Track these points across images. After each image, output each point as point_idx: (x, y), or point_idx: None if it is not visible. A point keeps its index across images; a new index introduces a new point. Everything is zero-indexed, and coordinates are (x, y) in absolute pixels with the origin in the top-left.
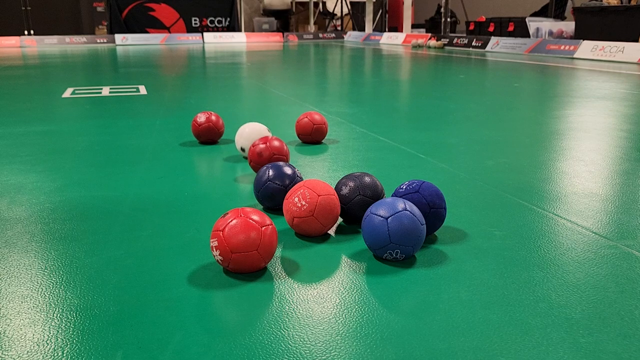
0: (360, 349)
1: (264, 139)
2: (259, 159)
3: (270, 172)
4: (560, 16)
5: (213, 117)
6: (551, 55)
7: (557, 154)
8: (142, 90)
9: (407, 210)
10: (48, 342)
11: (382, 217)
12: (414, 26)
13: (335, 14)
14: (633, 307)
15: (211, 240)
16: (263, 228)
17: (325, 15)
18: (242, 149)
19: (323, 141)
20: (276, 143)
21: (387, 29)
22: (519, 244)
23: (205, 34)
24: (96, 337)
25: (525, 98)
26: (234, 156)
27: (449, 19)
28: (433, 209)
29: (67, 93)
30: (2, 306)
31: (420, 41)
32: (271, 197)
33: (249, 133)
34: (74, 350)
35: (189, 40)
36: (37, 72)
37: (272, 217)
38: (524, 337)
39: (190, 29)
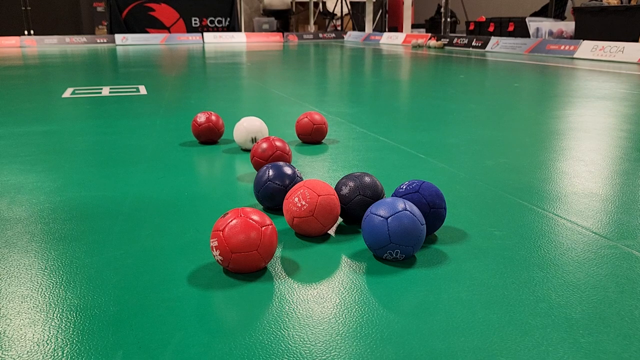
0: (360, 349)
1: (267, 139)
2: (262, 155)
3: (270, 172)
4: (560, 16)
5: (213, 117)
6: (551, 55)
7: (557, 154)
8: (142, 90)
9: (407, 210)
10: (48, 342)
11: (382, 217)
12: (414, 26)
13: (335, 14)
14: (633, 307)
15: (211, 240)
16: (263, 228)
17: (325, 15)
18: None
19: (323, 141)
20: (279, 143)
21: (387, 29)
22: (519, 244)
23: (205, 34)
24: (96, 337)
25: (525, 98)
26: (234, 156)
27: (449, 19)
28: (433, 209)
29: (67, 93)
30: (2, 306)
31: (420, 41)
32: (271, 197)
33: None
34: (74, 350)
35: (189, 40)
36: (37, 72)
37: (272, 217)
38: (524, 337)
39: (190, 29)
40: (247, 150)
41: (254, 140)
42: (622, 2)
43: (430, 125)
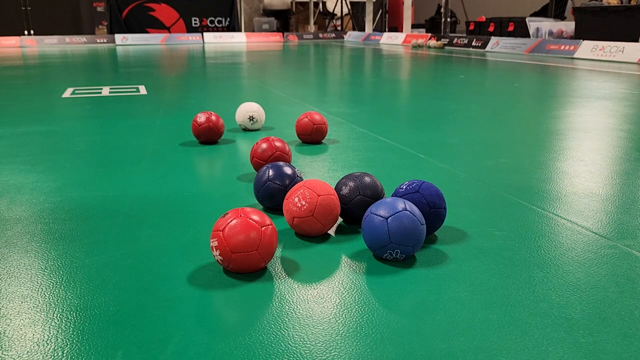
0: (360, 349)
1: (266, 139)
2: (261, 156)
3: (270, 172)
4: (560, 16)
5: (213, 117)
6: (551, 55)
7: (557, 154)
8: (142, 90)
9: (407, 210)
10: (48, 342)
11: (382, 217)
12: (414, 26)
13: (335, 14)
14: (633, 307)
15: (211, 240)
16: (263, 228)
17: (325, 15)
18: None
19: (323, 141)
20: (278, 143)
21: (387, 29)
22: (519, 244)
23: (205, 34)
24: (96, 337)
25: (525, 98)
26: (234, 156)
27: (449, 19)
28: (433, 209)
29: (67, 93)
30: (2, 306)
31: (420, 41)
32: (271, 197)
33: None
34: (74, 350)
35: (189, 40)
36: (37, 72)
37: (272, 217)
38: (524, 337)
39: (190, 29)
40: (246, 130)
41: (251, 118)
42: (622, 2)
43: (430, 125)
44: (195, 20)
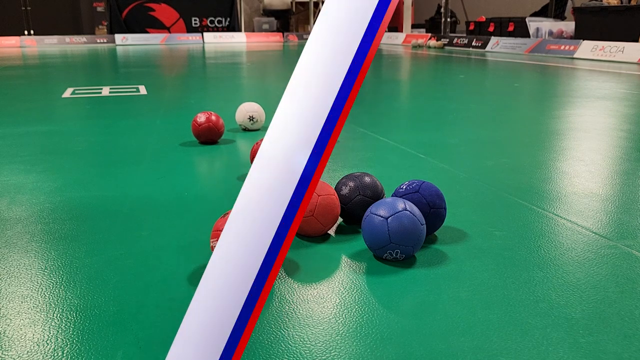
0: (360, 349)
1: None
2: None
3: None
4: (560, 16)
5: (213, 117)
6: (551, 55)
7: (557, 154)
8: (142, 90)
9: (407, 210)
10: (48, 342)
11: (382, 217)
12: (414, 26)
13: None
14: (633, 307)
15: (211, 240)
16: None
17: None
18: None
19: None
20: None
21: (387, 29)
22: (519, 244)
23: (205, 34)
24: (96, 337)
25: (525, 98)
26: (234, 156)
27: (449, 19)
28: (433, 209)
29: (67, 93)
30: (2, 306)
31: (420, 41)
32: None
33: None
34: (74, 350)
35: (189, 40)
36: (37, 72)
37: None
38: (524, 337)
39: (190, 29)
40: (246, 130)
41: (251, 118)
42: (622, 2)
43: (430, 125)
44: (195, 20)
